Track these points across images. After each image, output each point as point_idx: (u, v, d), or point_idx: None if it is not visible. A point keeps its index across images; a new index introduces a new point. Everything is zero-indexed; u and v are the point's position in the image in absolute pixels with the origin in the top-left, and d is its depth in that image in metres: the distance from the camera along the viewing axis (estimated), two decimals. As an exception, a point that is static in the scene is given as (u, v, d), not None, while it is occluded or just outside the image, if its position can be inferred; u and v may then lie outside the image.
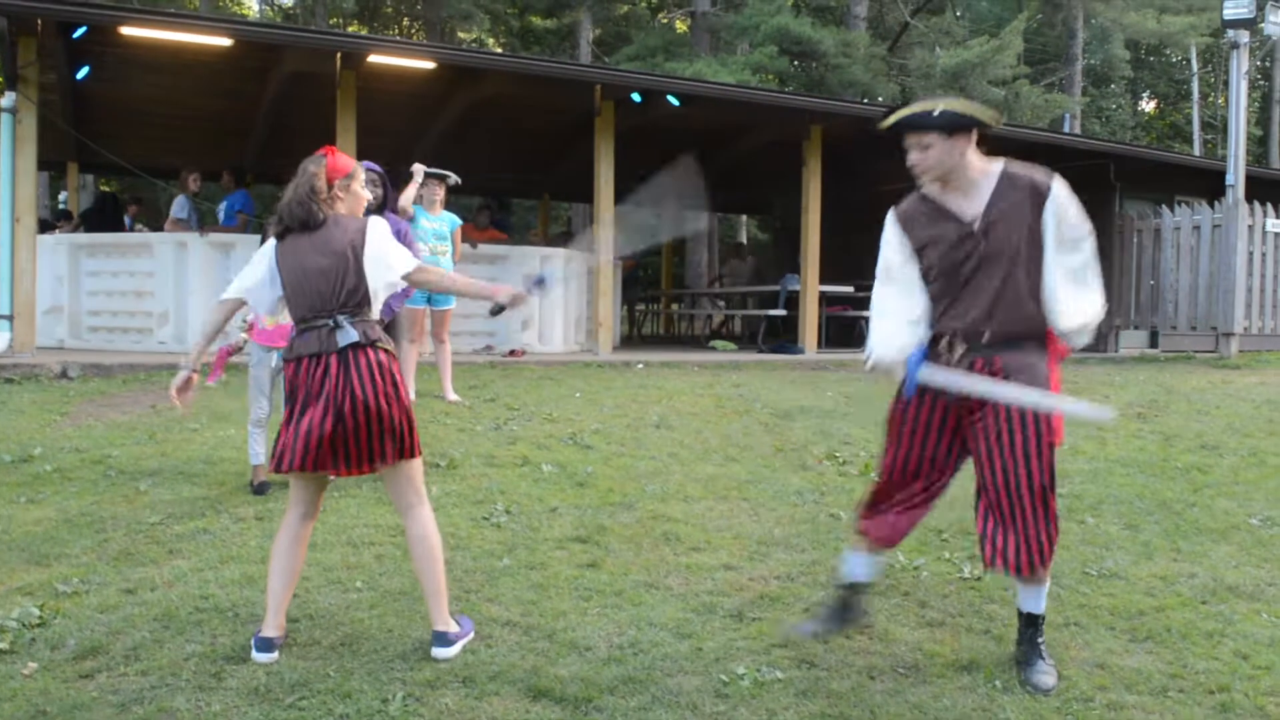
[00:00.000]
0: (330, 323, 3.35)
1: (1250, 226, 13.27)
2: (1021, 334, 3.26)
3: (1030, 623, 3.42)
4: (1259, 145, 37.39)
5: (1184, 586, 4.24)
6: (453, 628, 3.41)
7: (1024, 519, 3.22)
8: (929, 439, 3.39)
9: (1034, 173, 3.29)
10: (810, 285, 12.54)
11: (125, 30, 9.30)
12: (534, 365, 9.67)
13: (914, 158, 3.29)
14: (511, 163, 16.24)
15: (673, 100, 11.63)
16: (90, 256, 10.53)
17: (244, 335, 5.43)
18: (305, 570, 4.14)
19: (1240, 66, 13.24)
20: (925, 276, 3.38)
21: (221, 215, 11.36)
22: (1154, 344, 13.81)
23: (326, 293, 3.37)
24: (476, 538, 4.65)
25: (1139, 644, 3.66)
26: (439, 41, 24.99)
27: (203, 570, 4.13)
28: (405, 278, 3.50)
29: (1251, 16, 13.15)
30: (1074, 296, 3.24)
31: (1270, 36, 15.81)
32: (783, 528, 4.95)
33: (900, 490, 3.46)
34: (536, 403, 7.60)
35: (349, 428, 3.30)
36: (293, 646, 3.43)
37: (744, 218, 28.42)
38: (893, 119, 3.31)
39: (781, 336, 13.60)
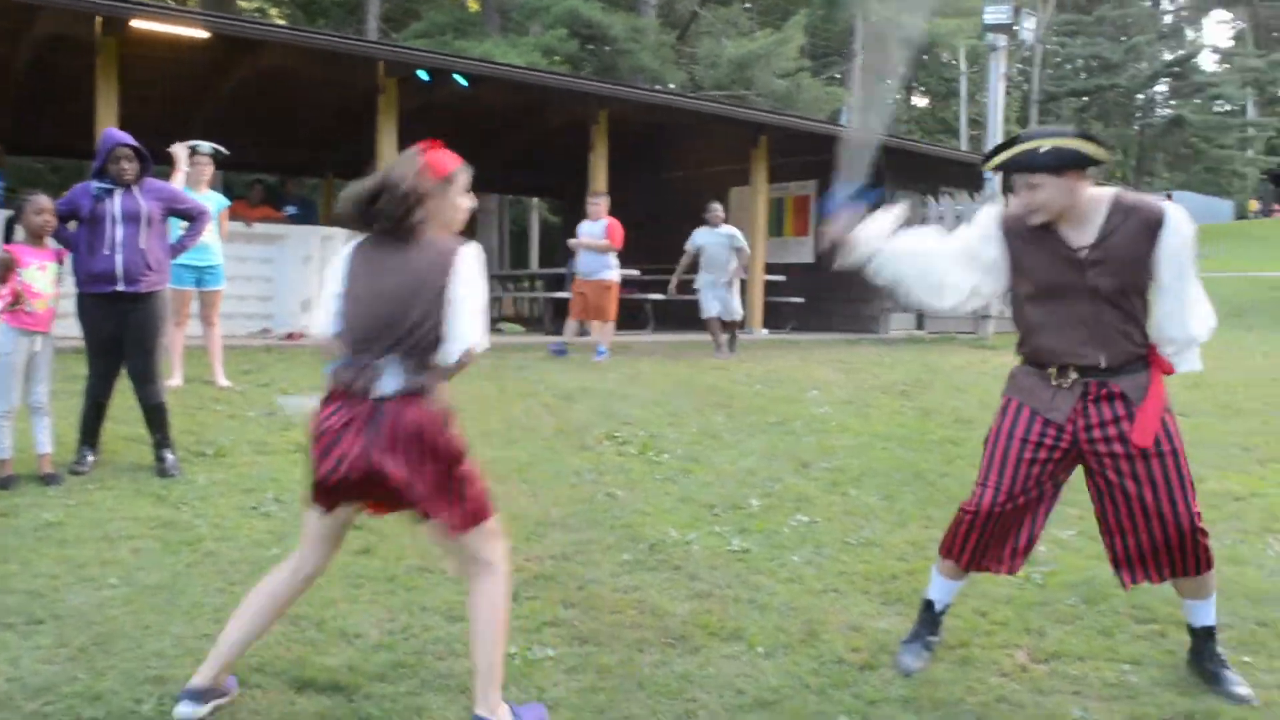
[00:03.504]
0: (375, 361, 2.69)
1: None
2: (1132, 356, 3.13)
3: (1208, 636, 3.28)
4: (1017, 141, 40.04)
5: (933, 551, 4.47)
6: (499, 717, 2.75)
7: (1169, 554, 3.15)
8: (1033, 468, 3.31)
9: (1147, 202, 3.13)
10: (597, 267, 12.64)
11: None
12: (313, 348, 9.37)
13: (1023, 198, 3.10)
14: (293, 140, 15.67)
15: (460, 80, 11.48)
16: None
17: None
18: (53, 569, 3.90)
19: (999, 68, 14.19)
20: (1018, 297, 3.27)
21: None
22: (921, 325, 14.68)
23: (384, 319, 2.71)
24: (245, 527, 4.49)
25: (890, 606, 3.89)
26: (214, 9, 23.76)
27: (-66, 572, 3.82)
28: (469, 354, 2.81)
29: (1009, 21, 14.09)
30: (1197, 311, 3.15)
31: (1025, 41, 16.95)
32: (560, 508, 5.00)
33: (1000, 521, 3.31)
34: (313, 387, 7.36)
35: (372, 489, 2.72)
36: (38, 650, 3.22)
37: (535, 200, 28.40)
38: (997, 160, 3.13)
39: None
